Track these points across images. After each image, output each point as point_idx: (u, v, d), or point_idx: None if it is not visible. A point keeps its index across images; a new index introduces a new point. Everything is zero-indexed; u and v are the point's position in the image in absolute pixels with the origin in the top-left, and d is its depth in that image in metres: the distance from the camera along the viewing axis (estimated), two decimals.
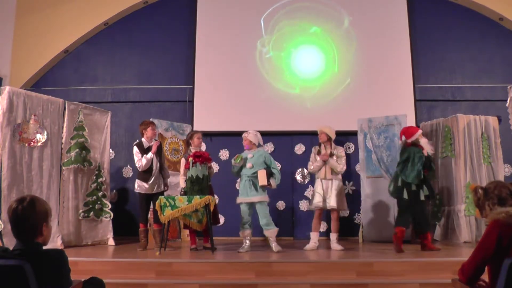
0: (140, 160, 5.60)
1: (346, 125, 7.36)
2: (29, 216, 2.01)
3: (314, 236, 5.64)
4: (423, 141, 5.40)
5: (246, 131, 5.64)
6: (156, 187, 5.70)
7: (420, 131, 5.47)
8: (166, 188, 5.90)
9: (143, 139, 5.78)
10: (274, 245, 5.31)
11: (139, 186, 5.66)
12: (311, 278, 4.19)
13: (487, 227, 2.25)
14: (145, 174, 5.64)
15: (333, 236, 5.58)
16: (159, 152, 5.79)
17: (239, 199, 5.49)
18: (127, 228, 6.99)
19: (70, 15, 7.88)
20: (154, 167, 5.68)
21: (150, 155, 5.61)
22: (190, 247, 5.61)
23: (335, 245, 5.52)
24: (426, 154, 5.32)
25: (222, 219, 7.32)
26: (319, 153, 5.72)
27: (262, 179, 5.35)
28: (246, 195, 5.42)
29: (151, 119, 6.89)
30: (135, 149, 5.69)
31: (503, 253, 2.15)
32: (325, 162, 5.63)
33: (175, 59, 7.93)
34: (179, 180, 6.87)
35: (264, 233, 5.43)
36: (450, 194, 6.51)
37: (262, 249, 5.57)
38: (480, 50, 7.80)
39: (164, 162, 5.93)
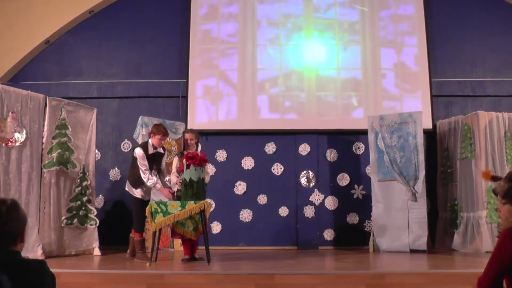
0: (147, 176, 5.45)
1: (356, 123, 7.38)
2: (12, 220, 1.99)
3: None
4: None
5: None
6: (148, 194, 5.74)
7: None
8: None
9: (150, 141, 5.59)
10: None
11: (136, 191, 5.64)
12: None
13: (500, 236, 2.25)
14: (139, 180, 5.56)
15: None
16: (158, 161, 5.69)
17: None
18: (115, 236, 7.00)
19: (52, 2, 7.88)
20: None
21: (156, 185, 5.49)
22: (183, 258, 5.59)
23: None
24: None
25: (218, 227, 7.37)
26: None
27: None
28: None
29: (140, 117, 6.91)
30: (141, 153, 5.46)
31: None
32: None
33: (167, 50, 7.93)
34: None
35: None
36: (470, 199, 6.53)
37: (263, 259, 5.59)
38: (504, 40, 7.80)
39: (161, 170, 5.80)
